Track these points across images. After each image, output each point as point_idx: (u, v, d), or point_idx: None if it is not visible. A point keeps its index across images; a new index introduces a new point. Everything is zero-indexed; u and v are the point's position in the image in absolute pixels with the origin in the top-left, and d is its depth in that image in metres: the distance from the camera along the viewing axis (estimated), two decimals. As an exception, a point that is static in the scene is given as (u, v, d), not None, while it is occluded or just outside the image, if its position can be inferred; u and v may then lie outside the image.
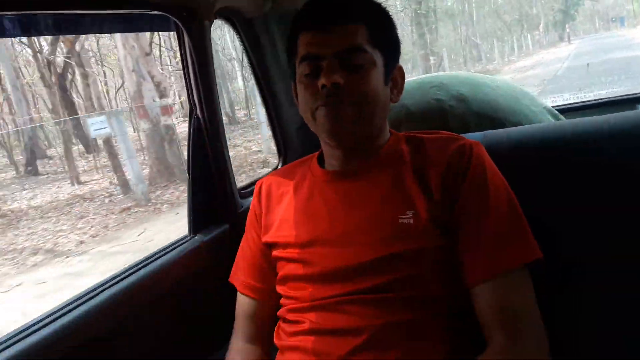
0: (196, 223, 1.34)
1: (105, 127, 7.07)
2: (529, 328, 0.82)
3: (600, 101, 1.94)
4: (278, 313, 0.98)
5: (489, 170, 0.90)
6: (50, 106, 10.35)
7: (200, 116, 1.34)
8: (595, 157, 1.02)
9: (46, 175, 9.96)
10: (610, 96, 1.99)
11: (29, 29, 1.09)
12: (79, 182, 8.67)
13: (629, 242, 0.98)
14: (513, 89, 1.45)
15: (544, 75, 14.00)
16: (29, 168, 9.96)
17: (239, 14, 1.50)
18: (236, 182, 1.44)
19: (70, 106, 9.23)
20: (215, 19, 1.39)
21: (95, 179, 8.93)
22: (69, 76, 9.56)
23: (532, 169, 1.06)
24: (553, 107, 1.53)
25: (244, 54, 1.67)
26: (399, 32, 1.00)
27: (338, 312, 0.87)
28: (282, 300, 0.98)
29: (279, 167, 1.68)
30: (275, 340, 0.97)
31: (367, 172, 0.95)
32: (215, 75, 1.37)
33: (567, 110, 1.83)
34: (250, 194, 1.45)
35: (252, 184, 1.51)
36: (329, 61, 0.88)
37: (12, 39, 8.73)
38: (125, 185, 7.55)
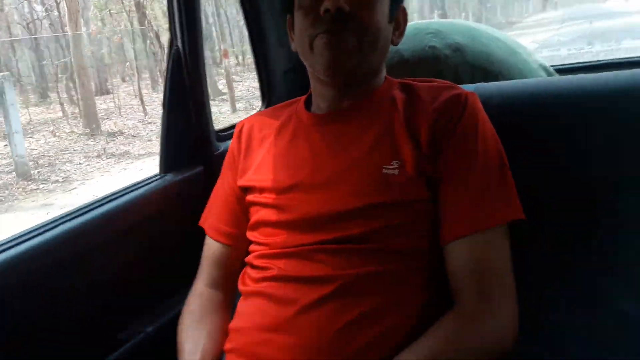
0: (168, 162, 1.29)
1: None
2: (501, 291, 0.79)
3: (596, 63, 1.89)
4: (246, 259, 0.94)
5: (482, 123, 0.85)
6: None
7: (180, 47, 1.27)
8: (590, 116, 0.97)
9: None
10: (606, 59, 1.94)
11: None
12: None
13: (614, 203, 0.95)
14: (510, 42, 1.40)
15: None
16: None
17: None
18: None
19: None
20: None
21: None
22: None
23: (522, 125, 1.01)
24: (551, 66, 1.47)
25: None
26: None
27: (309, 260, 0.83)
28: (251, 247, 0.94)
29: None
30: (240, 286, 0.93)
31: (357, 115, 0.90)
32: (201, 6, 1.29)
33: (563, 70, 1.78)
34: (229, 137, 1.39)
35: (232, 126, 1.45)
36: None
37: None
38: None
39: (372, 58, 0.88)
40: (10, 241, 0.94)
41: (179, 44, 1.27)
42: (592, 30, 13.07)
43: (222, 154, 1.07)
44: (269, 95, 1.62)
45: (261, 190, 0.92)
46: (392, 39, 0.93)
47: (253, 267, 0.91)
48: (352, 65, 0.86)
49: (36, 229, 0.98)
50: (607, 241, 0.96)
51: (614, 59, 1.91)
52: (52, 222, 1.01)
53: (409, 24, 1.38)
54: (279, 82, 1.61)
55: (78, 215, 1.04)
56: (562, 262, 0.99)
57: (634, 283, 0.94)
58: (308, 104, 0.98)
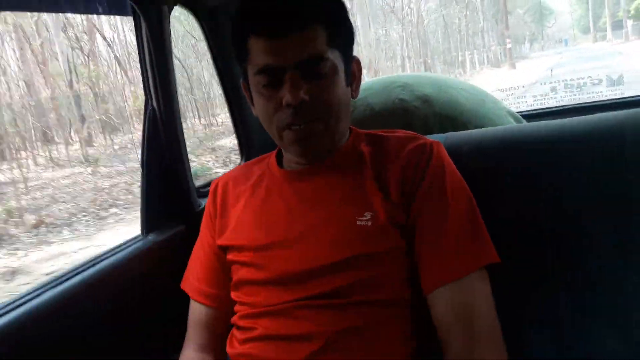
0: (150, 222, 1.28)
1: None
2: (486, 332, 0.80)
3: (562, 108, 1.97)
4: (231, 320, 0.93)
5: (449, 170, 0.87)
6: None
7: (156, 107, 1.28)
8: (557, 160, 1.01)
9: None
10: (571, 104, 2.03)
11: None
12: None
13: (583, 246, 0.98)
14: (478, 92, 1.45)
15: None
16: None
17: (201, 1, 1.44)
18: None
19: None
20: (176, 5, 1.33)
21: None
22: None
23: (493, 171, 1.04)
24: (517, 112, 1.53)
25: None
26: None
27: (292, 318, 0.83)
28: (236, 307, 0.93)
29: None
30: (228, 349, 0.92)
31: (327, 172, 0.91)
32: (174, 65, 1.31)
33: (530, 116, 1.85)
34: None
35: (210, 183, 1.46)
36: (292, 74, 0.82)
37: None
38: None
39: (339, 129, 0.90)
40: None
41: (154, 104, 1.29)
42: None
43: (203, 211, 1.07)
44: (247, 149, 1.64)
45: (239, 249, 0.92)
46: (352, 94, 0.93)
47: (238, 328, 0.91)
48: (323, 145, 0.89)
49: (15, 301, 0.95)
50: (581, 282, 0.98)
51: (577, 104, 2.00)
52: (32, 292, 0.98)
53: (378, 78, 1.43)
54: (255, 136, 1.63)
55: (59, 284, 1.01)
56: (536, 303, 1.01)
57: (614, 321, 0.95)
58: (279, 158, 1.00)
